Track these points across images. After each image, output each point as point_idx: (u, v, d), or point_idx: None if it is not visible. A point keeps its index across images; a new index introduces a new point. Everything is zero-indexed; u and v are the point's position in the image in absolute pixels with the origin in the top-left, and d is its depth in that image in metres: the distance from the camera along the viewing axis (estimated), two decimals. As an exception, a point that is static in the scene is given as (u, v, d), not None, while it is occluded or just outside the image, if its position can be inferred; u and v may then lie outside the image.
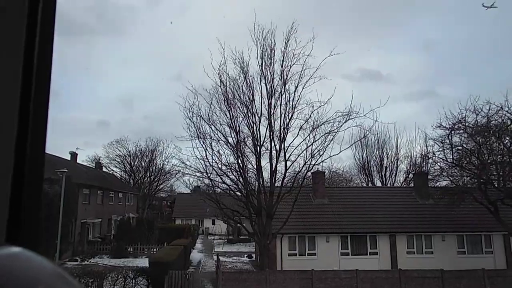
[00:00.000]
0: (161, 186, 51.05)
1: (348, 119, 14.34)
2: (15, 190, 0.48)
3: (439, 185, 19.58)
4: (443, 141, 16.87)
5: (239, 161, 15.04)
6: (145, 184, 47.92)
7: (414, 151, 37.10)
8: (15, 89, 0.50)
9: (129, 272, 13.85)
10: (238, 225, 21.15)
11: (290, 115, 14.60)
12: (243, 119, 14.93)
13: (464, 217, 18.98)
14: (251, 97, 14.79)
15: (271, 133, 14.81)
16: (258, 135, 14.94)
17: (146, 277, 13.67)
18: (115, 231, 30.34)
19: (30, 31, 0.51)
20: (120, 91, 75.05)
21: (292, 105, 14.55)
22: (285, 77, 14.56)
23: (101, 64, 64.77)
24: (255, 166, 15.19)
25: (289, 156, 14.84)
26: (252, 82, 14.81)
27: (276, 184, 15.25)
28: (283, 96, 14.68)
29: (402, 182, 35.96)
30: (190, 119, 15.11)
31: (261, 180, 14.98)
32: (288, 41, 14.27)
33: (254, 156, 15.14)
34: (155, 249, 24.15)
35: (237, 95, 14.93)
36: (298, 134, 14.72)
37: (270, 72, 14.68)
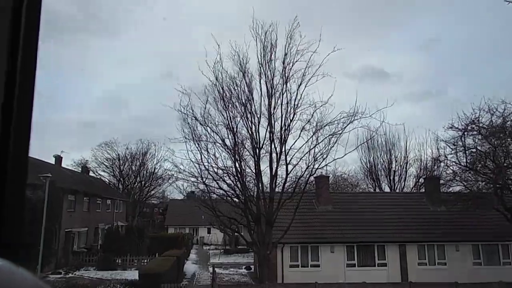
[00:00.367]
0: (153, 192, 50.99)
1: (354, 120, 14.38)
2: None
3: (452, 191, 19.61)
4: (456, 143, 16.92)
5: (237, 165, 15.07)
6: (136, 189, 47.86)
7: (424, 154, 37.21)
8: None
9: (118, 286, 13.82)
10: (236, 234, 21.10)
11: (291, 115, 14.68)
12: (241, 120, 14.99)
13: (479, 225, 18.99)
14: (249, 96, 14.84)
15: (271, 135, 14.84)
16: (257, 137, 14.99)
17: (136, 290, 13.61)
18: (102, 241, 30.24)
19: (14, 29, 0.53)
20: (109, 90, 75.17)
21: (294, 105, 14.64)
22: (286, 75, 14.62)
23: (87, 62, 64.91)
24: (253, 170, 15.21)
25: (290, 160, 14.91)
26: (251, 81, 14.86)
27: (276, 190, 15.26)
28: (284, 95, 14.75)
29: (412, 188, 35.99)
30: (184, 120, 15.17)
31: (260, 185, 14.99)
32: (291, 36, 14.30)
33: (253, 160, 15.17)
34: (145, 260, 24.09)
35: (234, 94, 14.99)
36: (300, 135, 14.78)
37: (270, 70, 14.74)
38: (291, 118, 14.67)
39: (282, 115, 14.74)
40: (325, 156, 14.58)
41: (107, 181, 46.87)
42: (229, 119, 14.94)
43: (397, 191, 35.18)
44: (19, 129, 0.54)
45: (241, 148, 15.42)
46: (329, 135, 14.55)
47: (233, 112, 15.01)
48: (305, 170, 14.89)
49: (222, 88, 14.93)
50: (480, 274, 17.62)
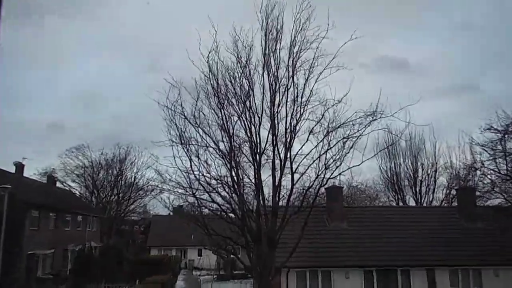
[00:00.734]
0: (133, 206, 51.00)
1: (373, 120, 14.29)
2: None
3: (490, 204, 19.60)
4: (494, 148, 16.93)
5: (233, 174, 14.95)
6: (112, 203, 47.85)
7: (456, 160, 37.17)
8: None
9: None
10: (232, 256, 21.00)
11: (298, 115, 14.56)
12: (238, 120, 14.88)
13: (523, 245, 18.95)
14: (250, 91, 14.78)
15: (274, 138, 14.78)
16: (258, 140, 14.89)
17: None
18: (72, 265, 30.10)
19: None
20: (80, 85, 75.25)
21: (301, 103, 14.53)
22: (293, 66, 14.58)
23: (55, 52, 65.12)
24: (253, 180, 15.11)
25: (297, 167, 14.76)
26: (253, 73, 14.77)
27: (280, 203, 15.14)
28: (290, 90, 14.69)
29: (442, 200, 36.00)
30: (171, 120, 15.04)
31: (261, 198, 14.91)
32: (299, 19, 14.22)
33: (253, 167, 15.06)
34: (124, 288, 23.99)
35: (231, 89, 14.91)
36: (308, 139, 14.67)
37: (275, 60, 14.66)
38: (298, 118, 14.58)
39: (287, 115, 14.68)
40: (338, 163, 14.41)
41: (78, 193, 46.92)
42: (224, 118, 14.85)
43: (424, 204, 35.16)
44: None
45: (239, 154, 15.28)
46: (343, 139, 14.42)
47: (229, 110, 14.93)
48: (315, 180, 14.76)
49: (217, 82, 14.83)
50: (524, 304, 17.56)
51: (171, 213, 27.14)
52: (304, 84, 14.54)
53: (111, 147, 59.18)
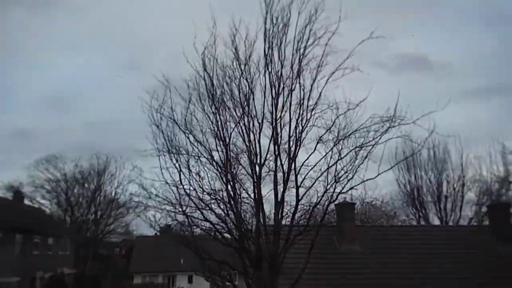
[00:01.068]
0: (113, 226, 51.02)
1: (391, 127, 14.39)
2: None
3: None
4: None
5: (229, 188, 15.02)
6: (89, 223, 47.84)
7: (487, 172, 37.28)
8: None
9: None
10: (228, 283, 20.97)
11: (304, 120, 14.63)
12: (235, 126, 14.98)
13: None
14: (249, 93, 14.88)
15: (276, 147, 14.87)
16: (258, 150, 14.97)
17: None
18: (41, 294, 29.94)
19: None
20: (52, 86, 75.25)
21: (308, 106, 14.62)
22: (299, 64, 14.68)
23: (22, 48, 65.33)
24: (252, 196, 15.14)
25: (302, 181, 14.76)
26: (254, 73, 14.88)
27: (283, 222, 15.14)
28: (295, 92, 14.78)
29: (471, 219, 36.04)
30: (157, 125, 15.19)
31: (261, 216, 14.98)
32: (308, 11, 14.42)
33: (252, 181, 15.12)
34: (101, 322, 23.94)
35: (228, 91, 15.04)
36: (315, 148, 14.76)
37: (279, 56, 14.72)
38: (304, 125, 14.65)
39: (291, 120, 14.75)
40: (350, 176, 14.37)
41: (49, 211, 46.83)
42: (219, 124, 14.96)
43: (450, 223, 35.18)
44: None
45: (236, 165, 15.36)
46: (356, 148, 14.49)
47: (225, 115, 15.05)
48: (323, 195, 14.71)
49: (212, 82, 15.01)
50: None
51: (158, 234, 27.16)
52: (312, 85, 14.70)
53: (88, 158, 59.50)
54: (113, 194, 48.53)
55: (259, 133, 14.99)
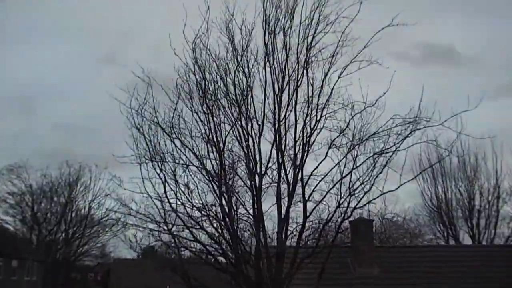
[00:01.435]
0: (87, 247, 50.96)
1: (415, 130, 14.39)
2: None
3: None
4: None
5: (224, 202, 15.00)
6: (59, 243, 47.72)
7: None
8: None
9: None
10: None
11: (313, 122, 14.65)
12: (231, 129, 14.98)
13: None
14: (247, 90, 14.88)
15: (279, 153, 14.90)
16: (258, 157, 14.98)
17: None
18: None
19: None
20: (12, 86, 75.17)
21: (318, 105, 14.66)
22: (307, 55, 14.73)
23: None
24: (251, 211, 15.14)
25: (311, 194, 14.79)
26: (252, 65, 14.94)
27: (288, 243, 15.18)
28: (301, 88, 14.83)
29: (508, 237, 36.08)
30: (138, 128, 15.19)
31: (262, 236, 14.97)
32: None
33: (250, 194, 15.14)
34: None
35: (222, 86, 15.03)
36: (326, 155, 14.78)
37: (284, 46, 14.75)
38: (313, 127, 14.69)
39: (297, 121, 14.80)
40: (367, 187, 14.41)
41: (12, 229, 46.78)
42: (212, 127, 14.94)
43: (484, 242, 35.18)
44: None
45: (231, 175, 15.40)
46: (375, 154, 14.54)
47: (219, 116, 15.06)
48: (335, 210, 14.73)
49: (204, 76, 14.99)
50: None
51: (139, 257, 27.11)
52: (323, 80, 14.70)
53: (57, 166, 59.26)
54: (86, 209, 48.55)
55: (259, 137, 14.99)
